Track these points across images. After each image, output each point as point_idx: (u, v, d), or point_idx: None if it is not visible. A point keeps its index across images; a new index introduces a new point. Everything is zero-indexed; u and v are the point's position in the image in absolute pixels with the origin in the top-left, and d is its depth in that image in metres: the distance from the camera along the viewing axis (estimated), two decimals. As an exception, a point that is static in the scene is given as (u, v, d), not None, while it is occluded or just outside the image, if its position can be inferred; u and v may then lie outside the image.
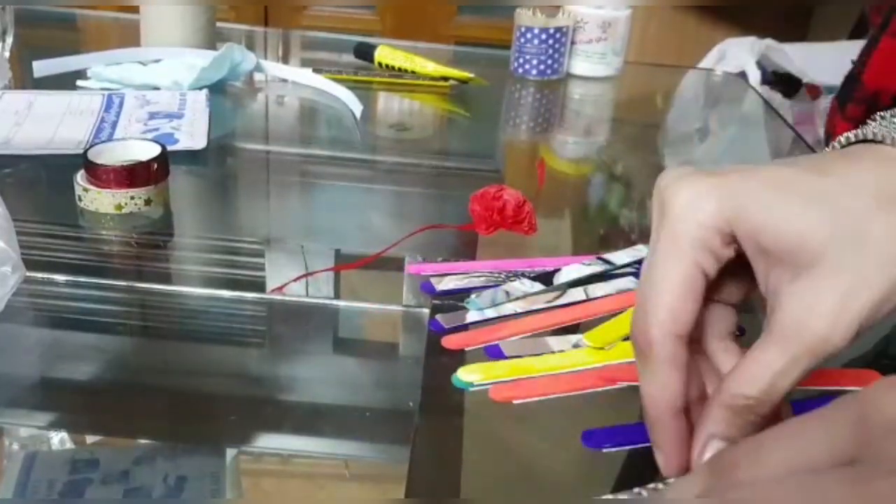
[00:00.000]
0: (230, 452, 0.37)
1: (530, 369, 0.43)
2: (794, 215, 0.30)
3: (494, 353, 0.44)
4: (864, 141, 0.33)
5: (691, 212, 0.31)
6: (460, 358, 0.45)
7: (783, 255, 0.30)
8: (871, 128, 0.33)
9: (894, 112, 0.34)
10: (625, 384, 0.42)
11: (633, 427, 0.41)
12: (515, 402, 0.41)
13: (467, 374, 0.42)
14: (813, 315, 0.29)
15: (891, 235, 0.29)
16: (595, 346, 0.45)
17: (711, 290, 0.33)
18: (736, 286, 0.34)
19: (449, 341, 0.45)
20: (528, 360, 0.43)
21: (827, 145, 0.36)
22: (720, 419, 0.31)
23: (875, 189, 0.30)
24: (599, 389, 0.42)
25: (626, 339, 0.47)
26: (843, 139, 0.34)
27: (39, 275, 0.49)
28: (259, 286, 0.52)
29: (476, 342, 0.45)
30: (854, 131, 0.34)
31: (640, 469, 0.39)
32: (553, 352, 0.44)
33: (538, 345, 0.45)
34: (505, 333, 0.46)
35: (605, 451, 0.39)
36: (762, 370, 0.30)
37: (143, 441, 0.38)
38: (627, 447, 0.40)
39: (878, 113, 0.34)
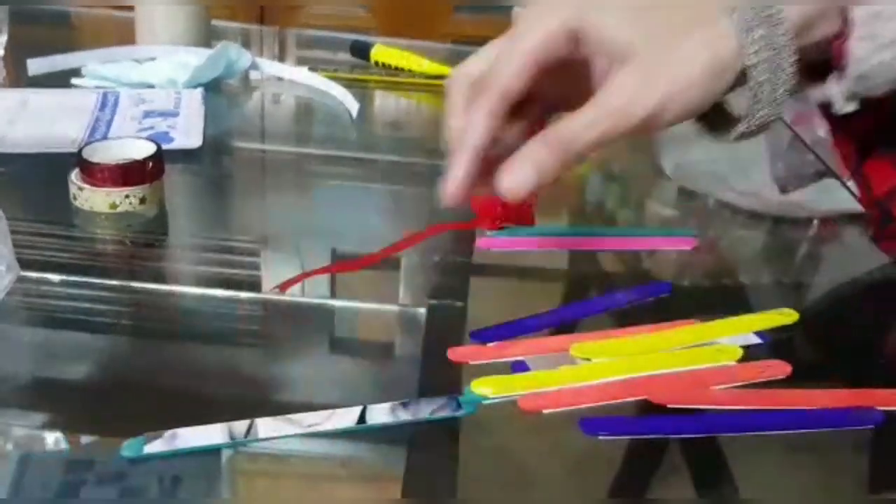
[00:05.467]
0: (225, 452, 0.37)
1: (546, 382, 0.42)
2: (626, 24, 0.39)
3: (519, 368, 0.44)
4: None
5: (547, 14, 0.40)
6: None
7: (614, 54, 0.39)
8: None
9: None
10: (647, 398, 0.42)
11: (631, 419, 0.41)
12: (545, 411, 0.41)
13: (481, 388, 0.42)
14: (616, 91, 0.39)
15: (694, 47, 0.39)
16: (582, 357, 0.45)
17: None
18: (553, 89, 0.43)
19: (455, 354, 0.45)
20: (542, 372, 0.43)
21: None
22: (535, 151, 0.39)
23: (693, 11, 0.40)
24: (625, 401, 0.42)
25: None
26: None
27: (34, 274, 0.49)
28: (255, 285, 0.52)
29: (482, 357, 0.45)
30: None
31: (638, 467, 0.39)
32: (575, 364, 0.44)
33: (561, 359, 0.45)
34: (517, 350, 0.45)
35: (601, 438, 0.39)
36: (577, 120, 0.39)
37: (138, 441, 0.38)
38: (624, 436, 0.40)
39: None
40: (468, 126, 0.41)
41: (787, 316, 0.49)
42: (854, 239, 0.66)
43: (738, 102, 0.42)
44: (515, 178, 0.40)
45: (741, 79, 0.40)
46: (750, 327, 0.48)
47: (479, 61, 0.43)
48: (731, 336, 0.47)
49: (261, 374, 0.45)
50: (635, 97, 0.38)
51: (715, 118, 0.44)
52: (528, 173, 0.39)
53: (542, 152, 0.39)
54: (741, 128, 0.43)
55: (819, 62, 0.44)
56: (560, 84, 0.42)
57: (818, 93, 0.46)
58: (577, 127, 0.39)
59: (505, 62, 0.40)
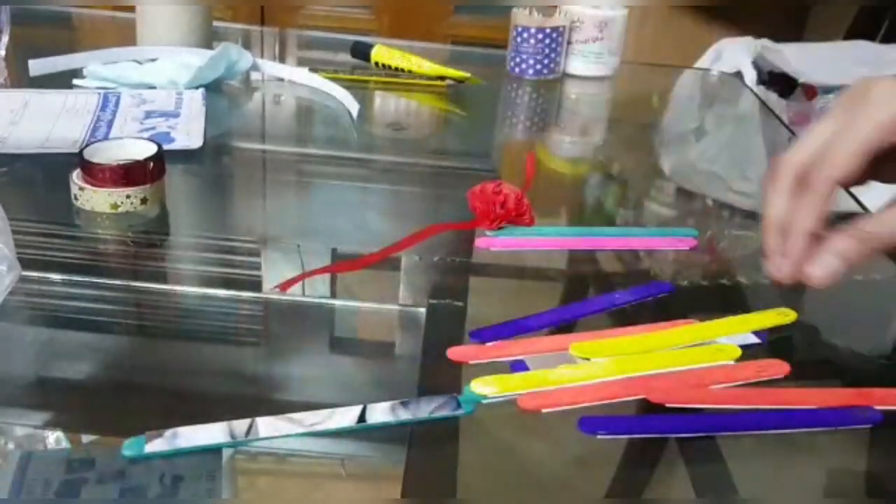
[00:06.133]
0: (226, 452, 0.37)
1: (545, 381, 0.43)
2: None
3: (519, 368, 0.44)
4: None
5: (887, 104, 0.42)
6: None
7: None
8: None
9: None
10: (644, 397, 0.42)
11: (630, 418, 0.41)
12: (544, 410, 0.41)
13: (481, 387, 0.42)
14: None
15: None
16: (581, 356, 0.45)
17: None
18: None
19: (455, 353, 0.45)
20: (541, 372, 0.43)
21: None
22: (843, 244, 0.43)
23: None
24: (623, 400, 0.42)
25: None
26: None
27: (35, 274, 0.49)
28: (255, 285, 0.52)
29: (482, 356, 0.45)
30: None
31: (637, 467, 0.39)
32: (574, 363, 0.44)
33: (560, 359, 0.45)
34: (516, 350, 0.45)
35: (600, 437, 0.39)
36: (885, 221, 0.43)
37: (139, 440, 0.38)
38: (623, 435, 0.40)
39: None
40: (802, 211, 0.44)
41: (784, 315, 0.49)
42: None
43: None
44: (825, 269, 0.44)
45: None
46: (748, 327, 0.48)
47: (806, 148, 0.45)
48: (729, 336, 0.48)
49: (261, 374, 0.45)
50: None
51: None
52: (835, 264, 0.44)
53: (849, 246, 0.43)
54: None
55: None
56: (881, 166, 0.45)
57: None
58: (885, 227, 0.43)
59: (838, 151, 0.43)
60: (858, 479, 0.41)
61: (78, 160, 0.56)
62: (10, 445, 0.37)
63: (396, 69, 0.91)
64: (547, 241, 0.58)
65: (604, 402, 0.42)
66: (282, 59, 1.01)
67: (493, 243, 0.57)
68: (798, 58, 1.05)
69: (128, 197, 0.56)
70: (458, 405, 0.40)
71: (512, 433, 0.41)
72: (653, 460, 0.40)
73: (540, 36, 0.93)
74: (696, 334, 0.47)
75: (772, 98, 1.03)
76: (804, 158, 0.45)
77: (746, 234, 0.64)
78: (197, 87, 0.79)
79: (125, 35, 0.88)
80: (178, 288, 0.51)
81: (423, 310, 0.49)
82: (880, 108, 0.43)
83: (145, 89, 0.79)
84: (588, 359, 0.45)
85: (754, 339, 0.48)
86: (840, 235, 0.44)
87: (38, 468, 0.35)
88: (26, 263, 0.46)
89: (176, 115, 0.72)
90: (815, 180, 0.44)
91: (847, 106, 0.44)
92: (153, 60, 0.83)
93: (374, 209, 0.65)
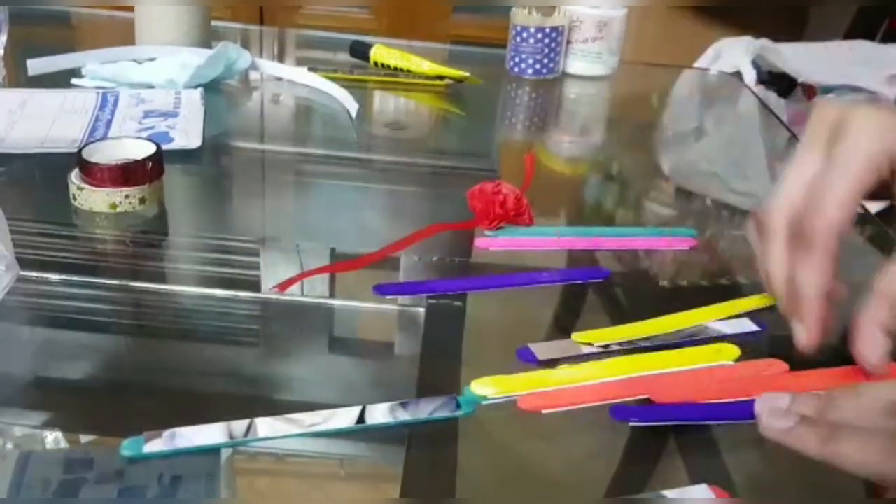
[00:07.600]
0: (225, 452, 0.37)
1: (545, 382, 0.43)
2: None
3: (526, 357, 0.44)
4: None
5: (873, 138, 0.40)
6: (457, 358, 0.45)
7: None
8: None
9: None
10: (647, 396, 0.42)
11: (661, 406, 0.41)
12: (544, 411, 0.41)
13: (481, 388, 0.42)
14: None
15: None
16: (583, 342, 0.45)
17: None
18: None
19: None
20: (541, 372, 0.43)
21: None
22: (885, 312, 0.40)
23: None
24: (625, 400, 0.42)
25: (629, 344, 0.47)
26: None
27: (33, 274, 0.49)
28: (254, 285, 0.52)
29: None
30: None
31: (637, 468, 0.39)
32: (581, 354, 0.45)
33: (568, 347, 0.45)
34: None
35: (631, 424, 0.40)
36: None
37: (137, 441, 0.38)
38: (654, 423, 0.40)
39: None
40: (810, 271, 0.41)
41: (767, 298, 0.51)
42: (851, 238, 0.66)
43: None
44: (875, 349, 0.41)
45: None
46: (735, 309, 0.50)
47: (793, 193, 0.42)
48: (728, 323, 0.48)
49: (260, 374, 0.45)
50: None
51: None
52: (881, 339, 0.40)
53: (881, 313, 0.40)
54: None
55: None
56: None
57: None
58: None
59: (831, 198, 0.40)
60: (858, 479, 0.41)
61: (76, 160, 0.56)
62: (9, 445, 0.37)
63: (396, 69, 0.91)
64: (546, 241, 0.58)
65: (604, 402, 0.42)
66: (281, 59, 1.01)
67: (492, 243, 0.57)
68: (797, 58, 1.05)
69: (126, 197, 0.56)
70: (458, 406, 0.40)
71: (512, 434, 0.41)
72: (653, 460, 0.40)
73: (539, 35, 0.93)
74: (689, 319, 0.48)
75: (771, 98, 1.03)
76: (794, 204, 0.42)
77: (745, 233, 0.63)
78: (195, 87, 0.79)
79: (124, 34, 0.88)
80: (176, 288, 0.51)
81: (422, 310, 0.49)
82: (865, 143, 0.40)
83: (144, 89, 0.78)
84: (591, 344, 0.45)
85: (755, 327, 0.48)
86: (874, 306, 0.41)
87: (36, 468, 0.35)
88: (25, 263, 0.46)
89: (174, 115, 0.72)
90: (813, 234, 0.41)
91: (823, 140, 0.42)
92: (152, 60, 0.83)
93: (373, 209, 0.65)
